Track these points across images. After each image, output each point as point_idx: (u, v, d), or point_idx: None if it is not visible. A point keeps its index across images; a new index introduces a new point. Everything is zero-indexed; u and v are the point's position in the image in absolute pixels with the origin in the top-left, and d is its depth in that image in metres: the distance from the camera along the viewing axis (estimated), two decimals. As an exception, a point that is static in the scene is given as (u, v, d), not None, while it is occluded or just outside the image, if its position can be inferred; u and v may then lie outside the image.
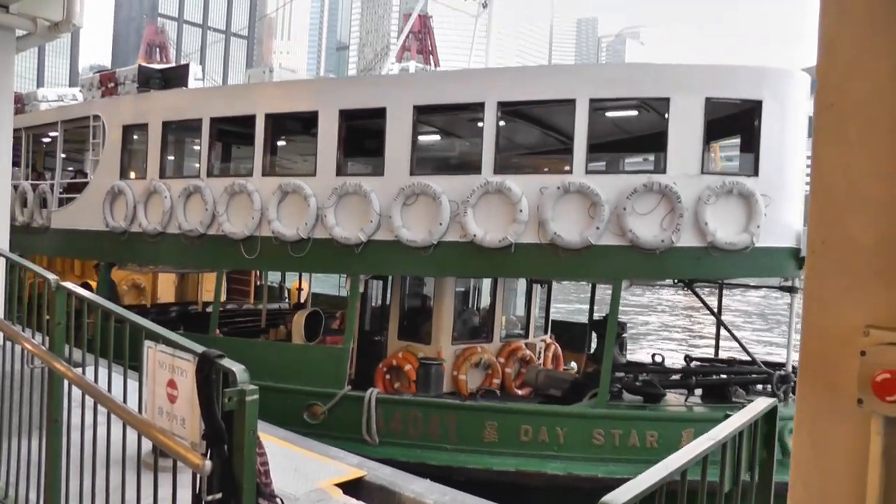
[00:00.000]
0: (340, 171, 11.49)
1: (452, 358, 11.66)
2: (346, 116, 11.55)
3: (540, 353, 13.11)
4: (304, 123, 12.89)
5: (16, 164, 19.96)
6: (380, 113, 11.20)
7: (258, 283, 19.54)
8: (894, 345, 1.49)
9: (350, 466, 6.91)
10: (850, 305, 1.61)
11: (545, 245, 9.93)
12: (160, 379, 3.19)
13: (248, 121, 12.43)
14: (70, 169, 22.21)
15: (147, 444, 3.28)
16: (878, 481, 1.54)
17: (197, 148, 14.03)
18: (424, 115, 11.42)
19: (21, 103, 17.97)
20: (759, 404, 2.84)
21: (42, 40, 8.78)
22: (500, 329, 12.75)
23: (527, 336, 13.16)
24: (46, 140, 19.49)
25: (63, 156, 19.60)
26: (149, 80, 14.71)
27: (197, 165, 13.12)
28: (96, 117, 14.64)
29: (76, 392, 3.90)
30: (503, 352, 12.32)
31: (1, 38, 8.06)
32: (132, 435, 3.33)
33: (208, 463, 2.81)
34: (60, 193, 16.19)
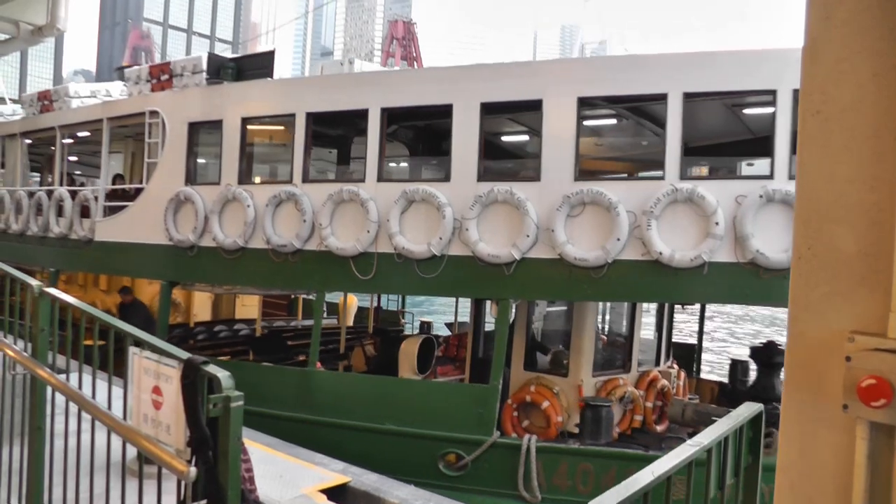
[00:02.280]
0: (483, 176, 9.72)
1: (593, 391, 10.28)
2: (490, 110, 9.86)
3: (674, 382, 11.60)
4: (432, 119, 11.56)
5: (35, 167, 19.22)
6: (533, 105, 9.52)
7: (292, 296, 18.21)
8: (879, 350, 1.50)
9: (335, 473, 6.89)
10: (836, 311, 1.62)
11: (744, 265, 8.33)
12: (145, 385, 3.17)
13: (358, 116, 10.87)
14: (79, 176, 20.88)
15: (132, 451, 3.26)
16: (864, 486, 1.55)
17: (287, 148, 12.15)
18: (591, 107, 9.85)
19: (49, 100, 16.50)
20: (745, 409, 2.86)
21: (25, 44, 8.76)
22: (637, 357, 11.17)
23: (658, 363, 11.62)
24: (68, 141, 17.74)
25: (77, 159, 18.78)
26: (220, 71, 12.52)
27: (289, 169, 11.27)
28: (153, 113, 12.74)
29: (60, 398, 3.87)
30: (641, 383, 10.84)
31: (-17, 41, 7.99)
32: (117, 442, 3.30)
33: (193, 469, 2.80)
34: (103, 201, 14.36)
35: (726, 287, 8.58)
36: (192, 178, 12.21)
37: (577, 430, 9.88)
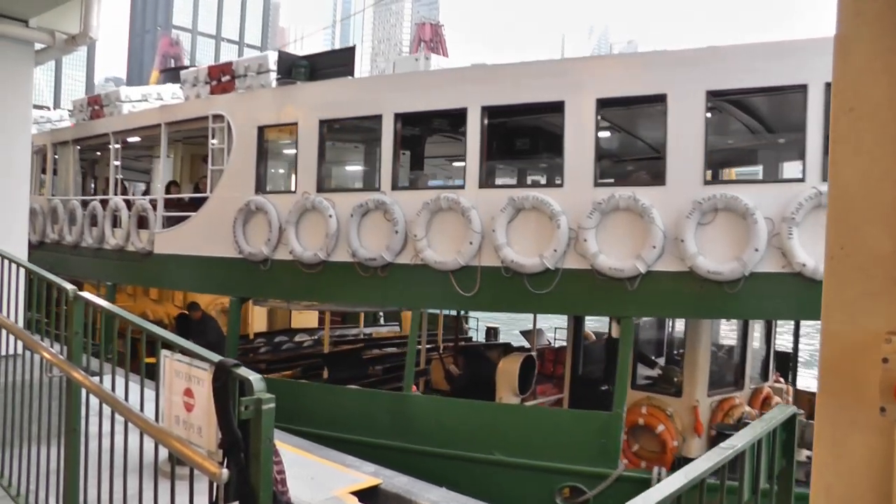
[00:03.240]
0: (601, 180, 8.93)
1: (708, 412, 9.48)
2: (606, 105, 8.96)
3: (784, 398, 10.96)
4: (537, 117, 10.59)
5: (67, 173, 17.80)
6: (655, 99, 8.65)
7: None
8: (917, 351, 1.47)
9: (366, 475, 6.90)
10: (871, 312, 1.59)
11: None
12: (177, 388, 3.20)
13: (455, 116, 10.04)
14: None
15: (164, 453, 3.30)
16: (901, 490, 1.52)
17: (372, 152, 11.38)
18: (719, 99, 8.87)
19: (99, 105, 15.90)
20: (778, 413, 2.82)
21: (60, 53, 8.89)
22: (749, 372, 10.35)
23: (766, 378, 10.89)
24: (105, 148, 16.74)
25: (118, 167, 17.50)
26: (292, 70, 11.48)
27: (376, 175, 10.37)
28: (218, 117, 11.88)
29: (94, 401, 3.92)
30: (755, 401, 10.18)
31: (21, 51, 8.16)
32: (149, 443, 3.34)
33: (225, 471, 2.82)
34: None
35: None
36: (262, 185, 11.45)
37: (694, 456, 8.70)
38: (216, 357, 3.01)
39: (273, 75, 11.70)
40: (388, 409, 10.01)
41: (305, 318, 16.93)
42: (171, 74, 20.15)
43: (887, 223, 1.59)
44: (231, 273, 11.49)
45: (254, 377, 2.84)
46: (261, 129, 11.40)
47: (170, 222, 13.00)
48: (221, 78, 12.59)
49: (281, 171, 13.75)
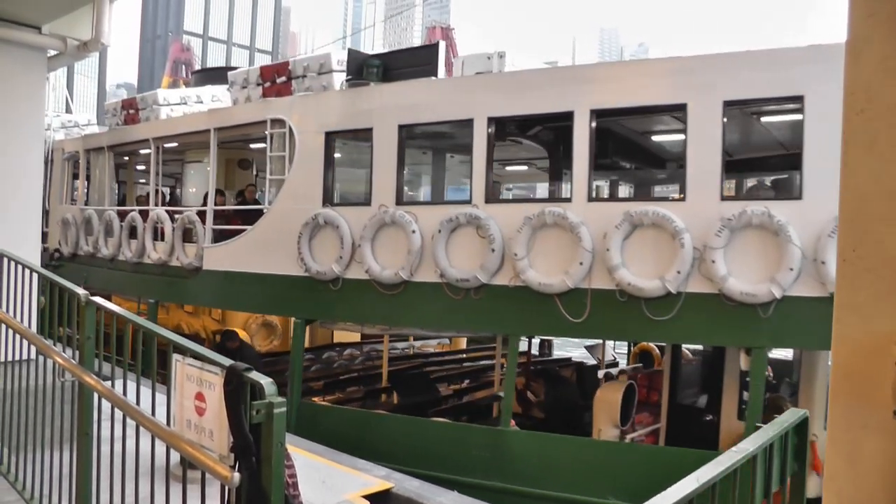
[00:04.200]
0: (730, 194, 8.18)
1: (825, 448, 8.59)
2: (733, 108, 8.06)
3: None
4: (653, 121, 9.81)
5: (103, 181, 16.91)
6: (790, 101, 7.85)
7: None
8: (930, 354, 1.46)
9: (377, 478, 6.90)
10: (883, 315, 1.58)
11: None
12: (188, 392, 3.21)
13: (560, 121, 9.06)
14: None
15: (175, 456, 3.31)
16: (915, 494, 1.51)
17: (460, 161, 10.77)
18: None
19: (135, 108, 14.99)
20: (789, 416, 2.80)
21: (72, 59, 8.96)
22: None
23: None
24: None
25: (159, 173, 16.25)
26: (363, 70, 10.39)
27: (467, 186, 9.41)
28: (278, 122, 10.96)
29: (106, 405, 3.94)
30: None
31: (34, 58, 8.23)
32: (161, 447, 3.36)
33: (237, 475, 2.83)
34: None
35: None
36: (331, 197, 10.47)
37: (812, 496, 8.05)
38: (227, 361, 3.03)
39: (336, 76, 10.73)
40: (484, 444, 9.03)
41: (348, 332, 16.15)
42: (203, 76, 19.34)
43: (900, 225, 1.58)
44: (295, 293, 10.59)
45: (265, 381, 2.84)
46: (329, 135, 10.47)
47: (222, 237, 12.12)
48: (276, 79, 11.55)
49: (352, 181, 12.61)
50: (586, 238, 8.25)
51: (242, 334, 13.18)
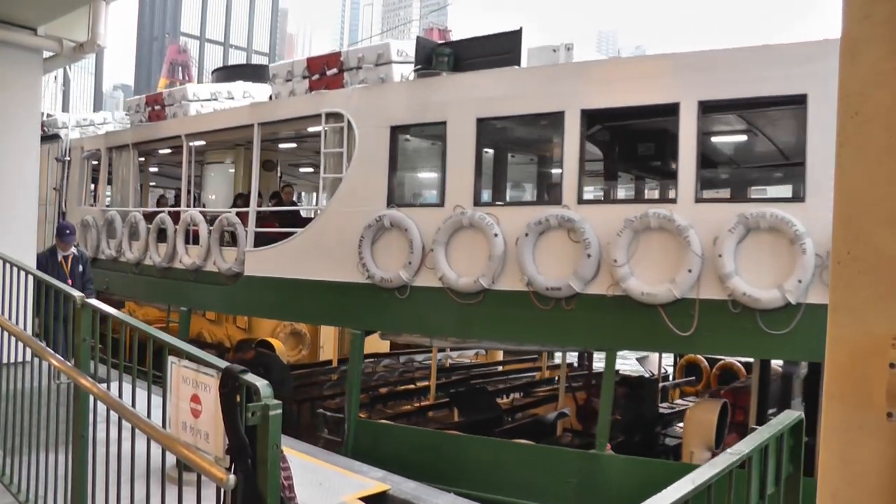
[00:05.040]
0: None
1: None
2: None
3: None
4: (765, 115, 9.00)
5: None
6: None
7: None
8: (924, 356, 1.46)
9: (374, 480, 6.90)
10: (878, 316, 1.58)
11: None
12: (184, 394, 3.21)
13: (662, 114, 8.35)
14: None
15: (171, 459, 3.30)
16: (910, 496, 1.51)
17: (547, 158, 9.91)
18: None
19: (161, 104, 14.28)
20: (785, 417, 2.80)
21: (68, 61, 8.94)
22: None
23: None
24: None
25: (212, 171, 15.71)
26: (431, 59, 9.62)
27: (558, 186, 8.70)
28: (335, 116, 10.07)
29: (102, 407, 3.94)
30: None
31: (29, 59, 8.21)
32: (156, 449, 3.35)
33: (232, 477, 2.83)
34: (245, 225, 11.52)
35: None
36: (396, 197, 9.63)
37: None
38: (222, 363, 3.02)
39: (395, 67, 9.96)
40: (576, 471, 8.23)
41: (377, 341, 15.43)
42: (223, 75, 18.65)
43: (894, 227, 1.58)
44: (353, 301, 9.73)
45: (261, 383, 2.84)
46: (395, 130, 9.60)
47: (264, 242, 11.32)
48: (326, 71, 10.61)
49: (425, 180, 11.64)
50: (696, 243, 7.49)
51: (277, 344, 12.64)
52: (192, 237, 12.29)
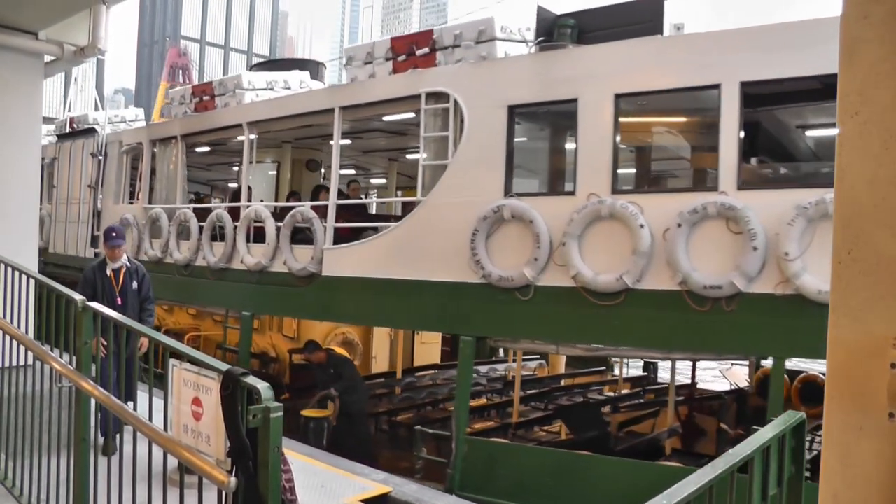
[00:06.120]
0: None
1: None
2: None
3: None
4: None
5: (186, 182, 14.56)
6: None
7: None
8: (925, 357, 1.46)
9: (376, 483, 6.89)
10: (878, 317, 1.58)
11: None
12: (185, 397, 3.21)
13: (828, 88, 6.79)
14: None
15: (173, 462, 3.30)
16: (911, 496, 1.50)
17: (699, 137, 8.79)
18: None
19: (209, 94, 13.39)
20: (787, 418, 2.80)
21: (69, 65, 8.96)
22: None
23: None
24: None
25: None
26: (553, 31, 8.62)
27: (712, 168, 7.69)
28: (436, 96, 9.16)
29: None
30: None
31: (30, 64, 8.23)
32: (158, 452, 3.35)
33: (233, 479, 2.83)
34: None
35: None
36: (512, 185, 8.59)
37: None
38: (223, 366, 3.02)
39: (499, 45, 9.01)
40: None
41: (429, 349, 13.82)
42: (267, 69, 17.77)
43: (895, 228, 1.58)
44: (463, 304, 8.71)
45: (261, 385, 2.84)
46: (513, 110, 8.55)
47: (342, 239, 10.37)
48: (414, 51, 9.64)
49: (545, 165, 10.16)
50: None
51: (341, 352, 11.65)
52: (251, 235, 11.43)
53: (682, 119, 9.74)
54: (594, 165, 7.93)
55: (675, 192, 8.35)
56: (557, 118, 8.85)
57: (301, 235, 10.73)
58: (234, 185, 22.65)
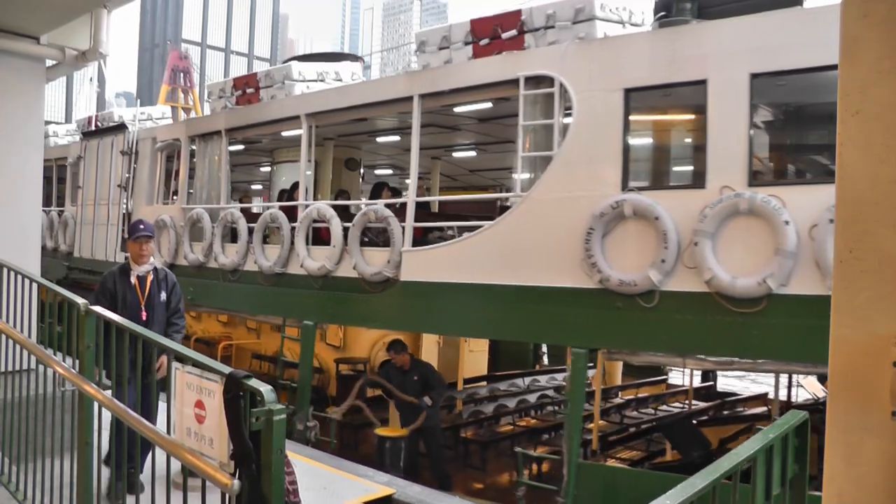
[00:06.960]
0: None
1: None
2: None
3: None
4: None
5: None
6: None
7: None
8: (928, 355, 1.46)
9: (379, 485, 6.89)
10: (881, 316, 1.58)
11: None
12: (188, 400, 3.21)
13: None
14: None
15: (176, 465, 3.31)
16: (915, 495, 1.50)
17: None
18: None
19: (254, 87, 12.55)
20: (790, 418, 2.80)
21: (70, 69, 8.97)
22: None
23: None
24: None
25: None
26: (672, 5, 7.92)
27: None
28: (537, 79, 8.26)
29: (106, 414, 3.94)
30: None
31: (32, 68, 8.24)
32: (161, 456, 3.35)
33: (237, 482, 2.83)
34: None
35: None
36: (630, 178, 7.69)
37: None
38: (226, 368, 3.02)
39: (598, 24, 8.18)
40: None
41: (477, 358, 12.88)
42: (304, 61, 16.57)
43: (896, 226, 1.57)
44: (574, 311, 7.83)
45: (265, 388, 2.84)
46: (630, 93, 7.68)
47: (422, 241, 9.61)
48: (499, 33, 8.76)
49: (665, 155, 9.23)
50: None
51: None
52: (311, 237, 10.55)
53: (828, 101, 8.74)
54: (728, 155, 7.05)
55: (822, 185, 7.02)
56: (688, 104, 7.97)
57: (366, 238, 10.02)
58: (257, 186, 21.78)
